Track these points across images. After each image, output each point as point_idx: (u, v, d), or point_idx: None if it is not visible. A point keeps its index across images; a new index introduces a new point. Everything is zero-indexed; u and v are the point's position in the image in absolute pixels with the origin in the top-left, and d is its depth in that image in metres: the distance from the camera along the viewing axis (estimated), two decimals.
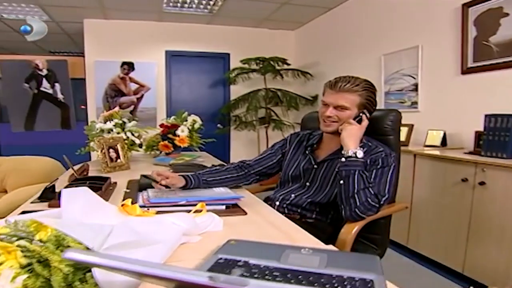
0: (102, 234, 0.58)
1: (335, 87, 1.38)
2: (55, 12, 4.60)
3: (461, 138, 2.69)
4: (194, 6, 4.60)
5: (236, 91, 5.49)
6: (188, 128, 2.76)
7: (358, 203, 1.23)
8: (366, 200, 1.23)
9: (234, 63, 5.45)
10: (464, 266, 2.17)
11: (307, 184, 1.49)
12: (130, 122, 2.47)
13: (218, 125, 5.60)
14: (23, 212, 1.05)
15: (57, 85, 4.93)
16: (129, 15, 4.89)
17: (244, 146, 5.68)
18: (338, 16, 4.52)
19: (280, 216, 1.16)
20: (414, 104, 3.20)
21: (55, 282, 0.49)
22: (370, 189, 1.25)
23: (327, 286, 0.59)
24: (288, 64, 5.20)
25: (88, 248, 0.55)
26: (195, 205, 1.16)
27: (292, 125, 5.16)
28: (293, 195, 1.48)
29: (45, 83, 4.89)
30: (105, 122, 2.37)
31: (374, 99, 1.42)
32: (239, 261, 0.70)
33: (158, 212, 1.02)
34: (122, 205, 0.82)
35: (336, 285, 0.59)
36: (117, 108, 2.51)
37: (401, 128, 2.91)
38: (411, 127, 2.92)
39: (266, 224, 1.06)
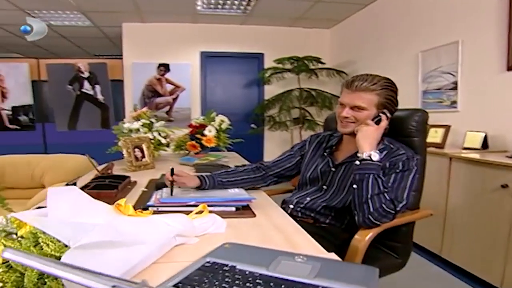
0: (83, 232, 0.58)
1: (352, 87, 1.30)
2: (96, 17, 4.82)
3: (504, 140, 2.48)
4: (227, 7, 4.64)
5: (270, 91, 5.47)
6: (216, 128, 2.78)
7: (371, 209, 1.15)
8: (380, 206, 1.15)
9: (269, 63, 5.42)
10: (503, 281, 1.97)
11: (324, 187, 1.43)
12: (157, 122, 2.52)
13: (252, 125, 5.61)
14: (39, 207, 1.09)
15: (97, 87, 5.18)
16: (165, 17, 5.02)
17: (277, 147, 5.64)
18: (374, 12, 4.35)
19: (289, 220, 1.12)
20: (453, 103, 3.00)
21: (28, 277, 0.50)
22: (386, 195, 1.16)
23: None
24: (323, 63, 5.09)
25: (65, 246, 0.55)
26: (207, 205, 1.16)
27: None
28: (308, 199, 1.43)
29: (86, 84, 5.16)
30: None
31: (394, 98, 1.32)
32: (226, 265, 0.67)
33: (155, 212, 1.01)
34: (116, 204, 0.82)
35: None
36: (145, 109, 2.56)
37: (437, 129, 2.81)
38: (447, 128, 2.73)
39: (272, 228, 1.03)
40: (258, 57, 5.63)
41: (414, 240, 2.62)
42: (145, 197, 1.33)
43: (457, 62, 2.94)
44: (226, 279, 0.61)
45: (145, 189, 1.52)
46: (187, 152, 2.74)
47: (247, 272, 0.64)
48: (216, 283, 0.60)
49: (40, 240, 0.52)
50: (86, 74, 5.13)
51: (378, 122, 1.28)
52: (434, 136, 2.78)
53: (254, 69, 5.63)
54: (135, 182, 1.65)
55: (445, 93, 3.09)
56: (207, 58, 5.52)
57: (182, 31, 5.35)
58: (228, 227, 1.01)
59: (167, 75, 5.37)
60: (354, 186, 1.21)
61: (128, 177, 1.58)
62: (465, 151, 2.47)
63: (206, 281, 0.61)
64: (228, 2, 4.46)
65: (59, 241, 0.55)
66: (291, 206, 1.45)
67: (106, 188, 1.36)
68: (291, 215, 1.34)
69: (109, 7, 4.42)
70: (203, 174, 1.45)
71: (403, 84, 3.65)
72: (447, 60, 3.06)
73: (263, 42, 5.55)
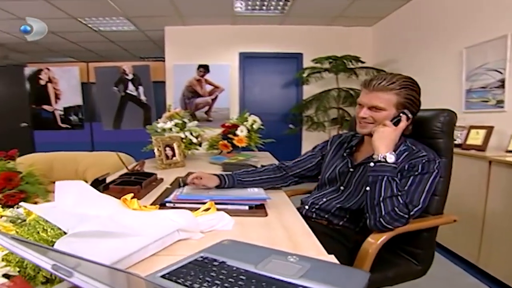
0: (83, 222, 0.63)
1: (369, 86, 1.26)
2: (140, 22, 5.06)
3: None
4: (264, 8, 4.66)
5: (309, 91, 5.41)
6: (247, 128, 2.82)
7: (383, 212, 1.12)
8: (392, 209, 1.11)
9: (308, 62, 5.37)
10: None
11: (341, 188, 1.40)
12: (190, 122, 2.61)
13: (290, 125, 5.59)
14: None
15: (140, 88, 5.45)
16: (204, 20, 5.15)
17: None
18: (417, 7, 4.14)
19: (300, 220, 1.11)
20: (499, 103, 2.79)
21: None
22: (400, 198, 1.12)
23: None
24: (363, 62, 4.96)
25: (65, 233, 0.61)
26: (219, 203, 1.19)
27: None
28: (324, 199, 1.40)
29: (130, 86, 5.44)
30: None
31: (415, 98, 1.26)
32: (217, 260, 0.69)
33: (161, 207, 1.06)
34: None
35: None
36: (178, 109, 2.66)
37: (478, 130, 2.64)
38: (490, 129, 2.55)
39: (279, 227, 1.03)
40: (296, 57, 5.60)
41: (449, 247, 2.49)
42: (167, 194, 1.39)
43: (505, 59, 2.73)
44: (211, 273, 0.63)
45: (169, 186, 1.58)
46: (219, 151, 2.81)
47: (234, 268, 0.65)
48: (201, 276, 0.62)
49: (37, 226, 0.58)
50: (130, 76, 5.41)
51: (397, 123, 1.23)
52: (475, 138, 2.61)
53: (293, 69, 5.60)
54: (162, 179, 1.72)
55: (491, 92, 2.89)
56: (246, 58, 5.59)
57: (221, 33, 5.45)
58: (237, 224, 1.03)
59: (207, 76, 5.51)
60: (367, 188, 1.17)
61: (154, 174, 1.65)
62: (510, 154, 2.30)
63: (193, 274, 0.63)
64: (265, 3, 4.49)
65: (59, 229, 0.61)
66: (306, 207, 1.44)
67: (131, 184, 1.43)
68: (305, 216, 1.33)
69: (151, 12, 4.62)
70: (224, 173, 1.49)
71: (446, 82, 3.52)
72: (494, 56, 2.85)
73: (301, 41, 5.52)
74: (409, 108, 1.26)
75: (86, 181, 2.91)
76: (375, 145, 1.20)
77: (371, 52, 5.38)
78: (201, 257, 0.71)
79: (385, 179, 1.14)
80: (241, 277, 0.61)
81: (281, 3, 4.46)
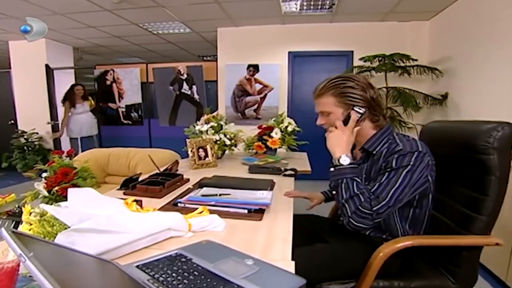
0: (85, 220, 0.83)
1: (314, 95, 1.38)
2: (194, 25, 5.38)
3: None
4: (312, 7, 4.69)
5: None
6: (281, 130, 2.94)
7: (350, 213, 1.18)
8: (356, 208, 1.17)
9: (359, 60, 5.31)
10: None
11: None
12: (227, 124, 2.80)
13: None
14: None
15: (194, 87, 5.81)
16: (254, 21, 5.32)
17: None
18: None
19: (288, 227, 1.18)
20: None
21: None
22: (361, 196, 1.17)
23: None
24: (415, 60, 4.77)
25: (68, 226, 0.82)
26: (222, 206, 1.36)
27: (414, 126, 4.74)
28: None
29: (185, 85, 5.82)
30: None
31: (354, 92, 1.27)
32: (186, 257, 0.85)
33: (174, 206, 1.33)
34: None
35: None
36: (216, 113, 2.86)
37: None
38: None
39: (264, 232, 1.15)
40: (347, 55, 5.53)
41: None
42: (186, 193, 1.59)
43: None
44: (174, 267, 0.79)
45: (191, 187, 1.77)
46: (254, 151, 2.97)
47: (194, 265, 0.81)
48: (165, 268, 0.78)
49: (47, 222, 0.79)
50: (184, 76, 5.79)
51: (347, 121, 1.28)
52: None
53: (343, 67, 5.52)
54: (188, 179, 1.93)
55: None
56: (296, 58, 5.65)
57: (271, 33, 5.56)
58: (229, 227, 1.17)
59: (257, 75, 5.67)
60: (334, 192, 1.26)
61: (180, 175, 1.86)
62: None
63: (161, 266, 0.80)
64: (312, 2, 4.51)
65: (65, 225, 0.82)
66: (341, 219, 1.46)
67: (155, 184, 1.65)
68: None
69: (204, 16, 4.90)
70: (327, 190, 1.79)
71: (504, 84, 3.28)
72: None
73: (352, 39, 5.43)
74: (354, 103, 1.28)
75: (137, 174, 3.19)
76: (330, 150, 1.27)
77: (427, 48, 5.13)
78: (176, 253, 0.88)
79: (344, 181, 1.20)
80: (195, 272, 0.77)
81: (328, 1, 4.46)
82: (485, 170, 1.24)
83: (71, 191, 0.92)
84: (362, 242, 1.35)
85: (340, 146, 1.25)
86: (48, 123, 6.04)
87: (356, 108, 1.28)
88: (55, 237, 0.76)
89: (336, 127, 1.29)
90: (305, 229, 1.60)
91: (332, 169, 1.27)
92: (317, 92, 1.35)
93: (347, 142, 1.26)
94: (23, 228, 0.82)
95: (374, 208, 1.16)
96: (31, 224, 0.80)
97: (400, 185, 1.17)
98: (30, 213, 0.86)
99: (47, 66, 5.99)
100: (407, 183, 1.18)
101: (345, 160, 1.23)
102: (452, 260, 1.32)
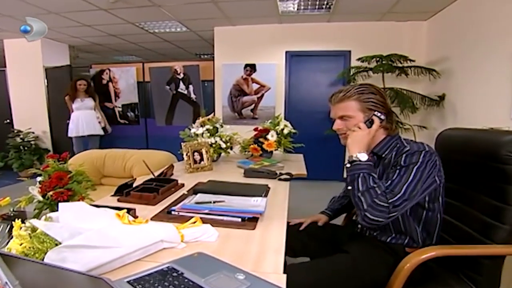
0: (76, 235, 0.83)
1: (331, 102, 1.43)
2: (191, 24, 5.36)
3: None
4: (309, 7, 4.68)
5: None
6: (277, 133, 2.94)
7: (365, 206, 1.21)
8: (372, 201, 1.19)
9: (356, 61, 5.31)
10: None
11: None
12: (222, 127, 2.80)
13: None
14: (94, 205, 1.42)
15: (190, 87, 5.78)
16: (251, 20, 5.30)
17: None
18: None
19: (280, 236, 1.18)
20: None
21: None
22: (377, 189, 1.20)
23: None
24: (412, 61, 4.77)
25: (60, 242, 0.81)
26: (216, 214, 1.35)
27: (411, 127, 4.73)
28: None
29: (181, 85, 5.80)
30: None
31: (378, 99, 1.36)
32: (177, 271, 0.85)
33: (167, 215, 1.33)
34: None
35: None
36: (211, 115, 2.85)
37: None
38: None
39: (256, 243, 1.14)
40: (344, 55, 5.53)
41: None
42: (181, 200, 1.58)
43: None
44: (165, 283, 0.79)
45: (186, 193, 1.76)
46: (250, 154, 2.97)
47: (186, 280, 0.81)
48: (156, 284, 0.78)
49: (37, 238, 0.79)
50: (181, 75, 5.77)
51: (370, 124, 1.33)
52: None
53: (341, 67, 5.53)
54: (182, 184, 1.92)
55: None
56: (293, 57, 5.63)
57: (268, 32, 5.55)
58: (222, 237, 1.16)
59: (253, 75, 5.66)
60: (349, 187, 1.27)
61: (174, 180, 1.86)
62: None
63: (152, 281, 0.80)
64: (310, 2, 4.50)
65: (56, 240, 0.81)
66: (359, 226, 1.53)
67: (150, 190, 1.65)
68: (361, 234, 1.48)
69: (200, 15, 4.88)
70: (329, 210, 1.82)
71: (501, 85, 3.28)
72: None
73: (350, 38, 5.43)
74: (377, 109, 1.35)
75: (132, 176, 3.21)
76: (349, 148, 1.32)
77: (424, 49, 5.15)
78: (167, 267, 0.88)
79: (361, 175, 1.24)
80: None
81: (325, 1, 4.44)
82: (508, 179, 1.25)
83: (62, 206, 0.91)
84: (383, 251, 1.37)
85: (359, 146, 1.31)
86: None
87: (377, 114, 1.34)
88: (45, 253, 0.76)
89: (356, 129, 1.34)
90: (323, 239, 1.63)
91: (348, 164, 1.31)
92: (339, 97, 1.39)
93: (366, 143, 1.33)
94: (14, 243, 0.82)
95: (390, 200, 1.19)
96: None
97: (412, 180, 1.21)
98: (21, 228, 0.85)
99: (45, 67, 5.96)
100: (419, 178, 1.22)
101: (363, 156, 1.28)
102: (473, 268, 1.32)
